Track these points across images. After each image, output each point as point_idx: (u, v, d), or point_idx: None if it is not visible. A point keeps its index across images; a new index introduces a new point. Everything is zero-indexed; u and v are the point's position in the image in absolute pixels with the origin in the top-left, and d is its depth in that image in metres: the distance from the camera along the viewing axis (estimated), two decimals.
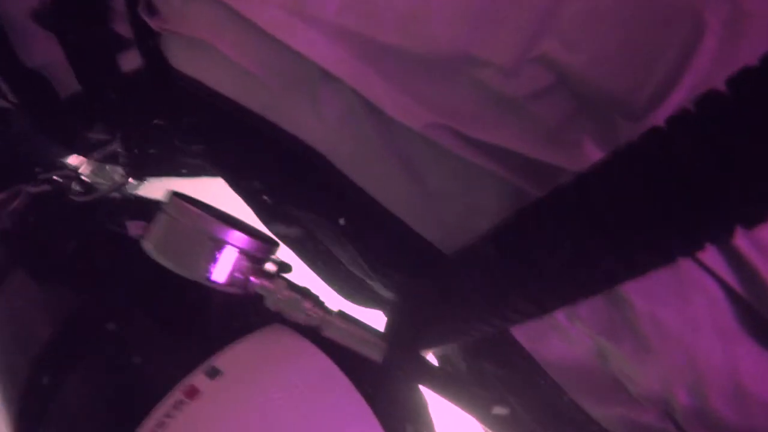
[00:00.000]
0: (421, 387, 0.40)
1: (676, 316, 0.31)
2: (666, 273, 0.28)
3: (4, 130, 0.58)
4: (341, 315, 0.38)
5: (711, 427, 0.32)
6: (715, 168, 0.21)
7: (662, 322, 0.31)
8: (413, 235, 0.34)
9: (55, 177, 0.59)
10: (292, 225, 0.41)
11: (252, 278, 0.37)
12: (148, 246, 0.37)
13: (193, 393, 0.35)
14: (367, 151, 0.33)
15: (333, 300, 0.41)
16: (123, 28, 0.41)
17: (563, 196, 0.27)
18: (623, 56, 0.28)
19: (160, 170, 0.57)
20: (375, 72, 0.31)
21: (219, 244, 0.35)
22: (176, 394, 0.35)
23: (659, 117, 0.25)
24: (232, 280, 0.36)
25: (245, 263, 0.36)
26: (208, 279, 0.35)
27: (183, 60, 0.37)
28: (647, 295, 0.31)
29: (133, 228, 0.39)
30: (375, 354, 0.36)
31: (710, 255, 0.30)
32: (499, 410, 0.36)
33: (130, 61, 0.42)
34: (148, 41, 0.39)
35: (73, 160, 0.67)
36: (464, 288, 0.31)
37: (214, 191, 0.46)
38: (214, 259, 0.35)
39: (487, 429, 0.39)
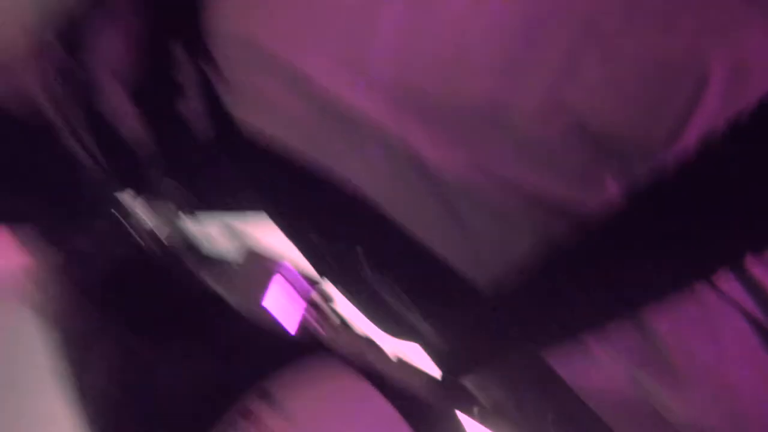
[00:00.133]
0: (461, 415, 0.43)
1: (705, 348, 0.33)
2: (691, 306, 0.31)
3: (78, 175, 0.63)
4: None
5: None
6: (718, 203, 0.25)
7: (693, 354, 0.33)
8: (449, 269, 0.36)
9: (119, 215, 0.64)
10: (336, 260, 0.44)
11: (307, 313, 0.40)
12: (219, 286, 0.41)
13: (248, 415, 0.38)
14: (408, 191, 0.36)
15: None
16: (188, 83, 0.45)
17: (590, 233, 0.30)
18: (637, 103, 0.31)
19: (210, 207, 0.62)
20: (415, 119, 0.34)
21: (272, 276, 0.39)
22: (233, 415, 0.38)
23: (672, 154, 0.28)
24: (282, 310, 0.40)
25: (295, 295, 0.40)
26: (263, 308, 0.39)
27: (241, 110, 0.41)
28: (676, 328, 0.32)
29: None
30: (416, 380, 0.39)
31: (732, 286, 0.31)
32: None
33: (194, 112, 0.46)
34: (212, 95, 0.43)
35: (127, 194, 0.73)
36: (500, 319, 0.34)
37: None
38: (267, 289, 0.39)
39: None
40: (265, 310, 0.39)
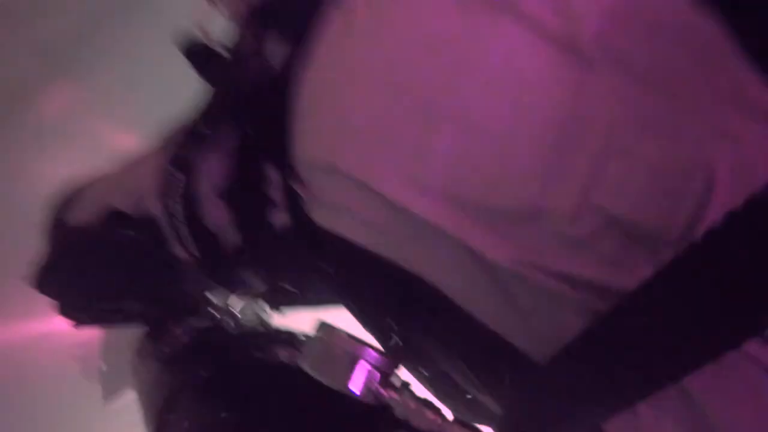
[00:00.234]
0: None
1: (752, 419, 0.36)
2: (728, 372, 0.35)
3: (175, 273, 0.72)
4: (459, 422, 0.46)
5: None
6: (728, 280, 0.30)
7: (735, 419, 0.36)
8: (507, 344, 0.41)
9: (213, 311, 0.72)
10: (405, 341, 0.50)
11: (382, 390, 0.46)
12: (305, 364, 0.47)
13: None
14: (467, 279, 0.42)
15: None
16: (276, 194, 0.54)
17: (628, 309, 0.36)
18: (656, 201, 0.36)
19: (294, 303, 0.70)
20: (471, 220, 0.40)
21: (357, 360, 0.45)
22: None
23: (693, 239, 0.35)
24: (366, 391, 0.45)
25: (377, 376, 0.46)
26: (348, 388, 0.45)
27: (324, 217, 0.49)
28: (716, 393, 0.36)
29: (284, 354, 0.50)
30: None
31: (763, 352, 0.35)
32: None
33: (281, 218, 0.54)
34: (297, 204, 0.51)
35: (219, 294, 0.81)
36: (556, 389, 0.39)
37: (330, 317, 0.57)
38: (352, 372, 0.45)
39: None
40: (350, 391, 0.45)
